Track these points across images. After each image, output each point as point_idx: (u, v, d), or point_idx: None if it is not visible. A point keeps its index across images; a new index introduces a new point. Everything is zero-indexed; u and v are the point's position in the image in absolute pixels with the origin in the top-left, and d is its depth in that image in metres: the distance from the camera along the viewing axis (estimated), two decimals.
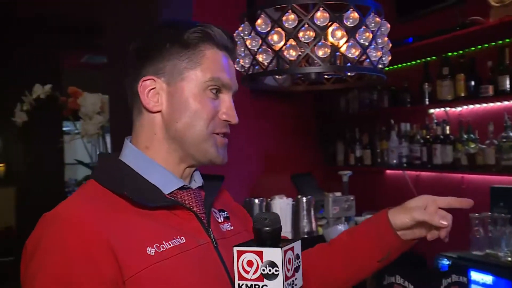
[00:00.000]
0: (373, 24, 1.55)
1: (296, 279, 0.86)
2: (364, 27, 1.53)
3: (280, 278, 0.82)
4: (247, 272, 0.83)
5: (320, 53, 1.47)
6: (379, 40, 1.58)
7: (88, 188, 0.95)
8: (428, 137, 3.42)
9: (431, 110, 3.50)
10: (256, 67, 1.71)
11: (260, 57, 1.65)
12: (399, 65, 3.80)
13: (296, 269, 0.86)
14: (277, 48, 1.60)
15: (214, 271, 0.94)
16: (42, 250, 0.84)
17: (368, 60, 1.55)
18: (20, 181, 6.44)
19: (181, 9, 2.51)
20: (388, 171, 3.97)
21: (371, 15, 1.55)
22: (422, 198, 1.06)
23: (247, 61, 1.71)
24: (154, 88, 0.97)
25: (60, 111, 3.76)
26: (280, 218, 0.87)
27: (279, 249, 0.82)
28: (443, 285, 1.47)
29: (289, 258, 0.84)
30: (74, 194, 0.95)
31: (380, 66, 1.61)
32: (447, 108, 3.39)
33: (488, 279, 2.49)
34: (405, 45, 3.42)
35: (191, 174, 1.03)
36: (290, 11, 1.52)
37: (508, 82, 2.85)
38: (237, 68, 1.83)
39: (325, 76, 1.82)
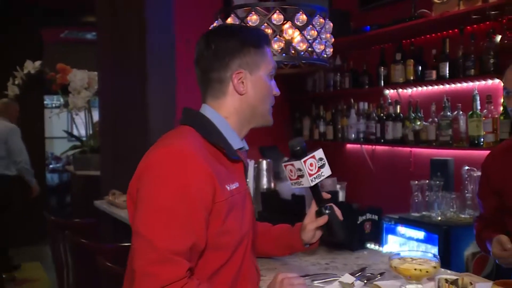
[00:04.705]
0: (318, 24, 1.95)
1: (322, 172, 1.44)
2: (311, 26, 1.93)
3: (306, 176, 1.40)
4: (291, 176, 1.45)
5: (276, 46, 1.87)
6: (323, 36, 1.98)
7: (191, 135, 1.32)
8: (382, 115, 3.86)
9: (386, 91, 3.93)
10: None
11: None
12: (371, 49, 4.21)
13: (321, 166, 1.44)
14: None
15: (250, 208, 1.42)
16: (165, 178, 1.20)
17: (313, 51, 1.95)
18: None
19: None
20: (348, 145, 4.42)
21: (317, 17, 1.95)
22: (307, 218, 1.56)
23: None
24: (242, 77, 1.36)
25: (49, 85, 4.07)
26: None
27: (299, 160, 1.40)
28: (359, 221, 1.90)
29: (311, 163, 1.42)
30: (184, 136, 1.30)
31: (324, 56, 2.02)
32: (399, 90, 3.82)
33: (420, 234, 2.96)
34: (364, 33, 3.84)
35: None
36: (253, 12, 1.91)
37: (447, 68, 3.29)
38: None
39: (285, 63, 2.21)
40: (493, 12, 2.83)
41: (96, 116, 4.31)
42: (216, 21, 2.09)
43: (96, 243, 2.11)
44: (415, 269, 1.30)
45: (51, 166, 9.06)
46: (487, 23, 3.07)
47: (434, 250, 2.84)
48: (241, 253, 1.34)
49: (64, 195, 8.45)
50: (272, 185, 2.30)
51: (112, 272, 1.71)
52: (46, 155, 8.65)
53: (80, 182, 3.98)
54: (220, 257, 1.29)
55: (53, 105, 10.79)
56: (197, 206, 1.20)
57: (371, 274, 1.54)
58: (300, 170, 1.40)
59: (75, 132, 4.26)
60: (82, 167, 3.93)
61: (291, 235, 1.60)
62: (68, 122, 11.87)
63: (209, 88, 1.38)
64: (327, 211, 1.48)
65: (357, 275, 1.49)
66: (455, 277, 1.18)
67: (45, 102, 7.43)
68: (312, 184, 1.42)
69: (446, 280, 1.16)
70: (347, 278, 1.41)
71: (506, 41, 2.81)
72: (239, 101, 1.37)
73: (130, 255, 1.22)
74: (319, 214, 1.49)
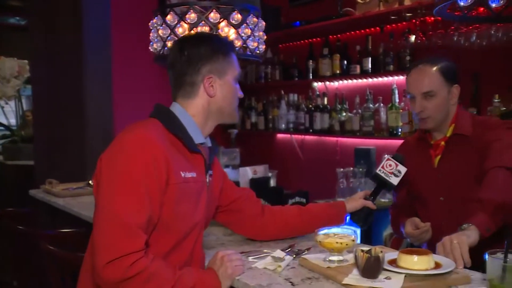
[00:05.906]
0: (251, 22, 2.11)
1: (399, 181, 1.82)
2: (245, 24, 2.08)
3: (399, 178, 1.77)
4: (386, 168, 1.77)
5: None
6: (256, 34, 2.14)
7: (154, 124, 1.46)
8: (310, 106, 4.09)
9: (314, 84, 4.16)
10: (166, 48, 2.22)
11: (169, 43, 2.17)
12: (292, 43, 4.42)
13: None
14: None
15: (204, 199, 1.52)
16: (127, 157, 1.35)
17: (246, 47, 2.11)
18: None
19: None
20: (278, 135, 4.63)
21: (250, 16, 2.11)
22: (357, 195, 1.91)
23: (159, 45, 2.23)
24: (212, 81, 1.51)
25: None
26: None
27: (405, 168, 1.78)
28: (289, 203, 2.08)
29: (406, 173, 1.79)
30: (148, 126, 1.43)
31: (258, 52, 2.19)
32: (327, 82, 4.07)
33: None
34: (293, 28, 4.04)
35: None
36: (191, 10, 2.03)
37: (370, 63, 3.56)
38: (151, 50, 2.32)
39: None
40: (408, 14, 3.11)
41: (26, 104, 4.23)
42: (156, 17, 2.19)
43: (38, 230, 2.15)
44: (337, 243, 1.49)
45: None
46: (404, 23, 3.36)
47: (357, 231, 3.10)
48: (193, 239, 1.49)
49: None
50: None
51: (55, 256, 1.78)
52: None
53: (12, 172, 3.92)
54: (171, 240, 1.43)
55: None
56: (152, 182, 1.34)
57: (299, 249, 1.72)
58: (399, 172, 1.78)
59: (3, 121, 4.17)
60: (13, 157, 3.87)
61: (335, 208, 1.86)
62: None
63: (181, 89, 1.53)
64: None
65: (287, 250, 1.66)
66: (369, 248, 1.38)
67: None
68: (395, 185, 1.80)
69: (362, 250, 1.35)
70: (278, 253, 1.58)
71: (419, 41, 3.09)
72: (207, 102, 1.52)
73: (93, 232, 1.32)
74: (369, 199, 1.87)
